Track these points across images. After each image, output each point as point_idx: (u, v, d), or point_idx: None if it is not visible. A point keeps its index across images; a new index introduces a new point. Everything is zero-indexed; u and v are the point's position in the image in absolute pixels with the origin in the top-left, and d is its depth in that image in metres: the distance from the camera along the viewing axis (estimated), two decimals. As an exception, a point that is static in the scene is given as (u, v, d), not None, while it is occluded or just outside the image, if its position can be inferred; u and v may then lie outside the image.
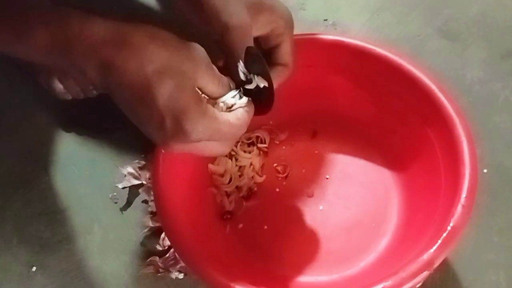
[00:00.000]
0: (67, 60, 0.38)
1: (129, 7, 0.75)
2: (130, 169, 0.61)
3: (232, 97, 0.42)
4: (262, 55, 0.43)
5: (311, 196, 0.57)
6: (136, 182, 0.61)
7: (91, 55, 0.37)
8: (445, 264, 0.54)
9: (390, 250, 0.51)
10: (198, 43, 0.40)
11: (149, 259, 0.56)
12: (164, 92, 0.36)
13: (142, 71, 0.36)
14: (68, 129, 0.66)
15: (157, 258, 0.56)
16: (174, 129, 0.36)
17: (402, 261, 0.43)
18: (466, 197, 0.42)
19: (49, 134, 0.66)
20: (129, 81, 0.36)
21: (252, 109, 0.43)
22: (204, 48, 0.40)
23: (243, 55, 0.43)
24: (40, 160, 0.64)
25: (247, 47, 0.43)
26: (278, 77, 0.48)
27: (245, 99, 0.42)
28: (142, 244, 0.58)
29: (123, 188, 0.61)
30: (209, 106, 0.39)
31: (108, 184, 0.61)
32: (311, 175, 0.59)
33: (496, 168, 0.61)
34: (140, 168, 0.61)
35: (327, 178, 0.58)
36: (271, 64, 0.49)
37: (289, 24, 0.48)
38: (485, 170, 0.61)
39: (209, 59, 0.40)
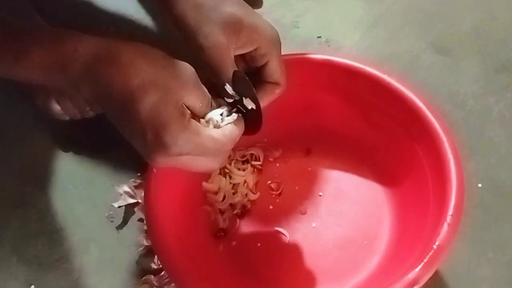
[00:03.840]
0: (63, 78, 0.39)
1: (126, 28, 0.76)
2: (126, 188, 0.62)
3: (220, 115, 0.42)
4: (251, 73, 0.44)
5: (304, 213, 0.58)
6: (132, 200, 0.61)
7: (84, 72, 0.38)
8: (439, 279, 0.54)
9: (381, 267, 0.51)
10: (191, 62, 0.41)
11: (144, 278, 0.56)
12: (146, 105, 0.37)
13: (127, 85, 0.37)
14: (65, 149, 0.67)
15: (152, 276, 0.56)
16: (154, 142, 0.37)
17: (392, 279, 0.43)
18: (452, 215, 0.42)
19: (47, 154, 0.67)
20: (116, 94, 0.37)
21: (242, 126, 0.43)
22: (198, 67, 0.41)
23: (227, 76, 0.43)
24: (38, 180, 0.65)
25: (234, 71, 0.44)
26: (268, 95, 0.48)
27: (234, 116, 0.43)
28: (138, 262, 0.58)
29: (119, 207, 0.61)
30: (193, 121, 0.39)
31: (105, 203, 0.62)
32: (304, 192, 0.59)
33: (490, 182, 0.61)
34: (136, 187, 0.62)
35: (320, 195, 0.59)
36: (261, 82, 0.48)
37: (273, 42, 0.47)
38: (479, 185, 0.61)
39: (197, 78, 0.40)
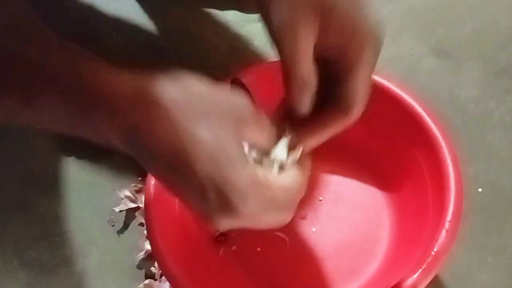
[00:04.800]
0: (85, 126, 0.32)
1: (127, 32, 0.77)
2: (127, 192, 0.62)
3: (284, 149, 0.34)
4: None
5: (304, 217, 0.58)
6: (133, 205, 0.62)
7: (113, 119, 0.30)
8: (439, 284, 0.54)
9: (381, 272, 0.51)
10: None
11: (144, 282, 0.57)
12: (204, 160, 0.29)
13: (176, 139, 0.29)
14: (67, 153, 0.68)
15: (153, 280, 0.56)
16: (219, 203, 0.29)
17: (391, 284, 0.43)
18: (450, 221, 0.42)
19: (49, 158, 0.67)
20: (163, 151, 0.29)
21: (309, 163, 0.36)
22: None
23: (298, 71, 0.33)
24: (40, 184, 0.66)
25: (232, 78, 0.43)
26: (334, 125, 0.37)
27: (299, 150, 0.35)
28: (139, 266, 0.59)
29: (120, 211, 0.62)
30: (259, 170, 0.31)
31: (106, 208, 0.63)
32: (304, 197, 0.58)
33: (490, 187, 0.61)
34: (137, 191, 0.62)
35: (320, 200, 0.59)
36: (329, 100, 0.36)
37: (368, 52, 0.34)
38: (479, 189, 0.61)
39: (253, 104, 0.32)
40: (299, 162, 0.35)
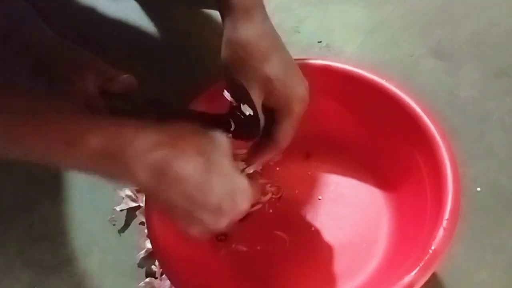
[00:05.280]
0: (116, 167, 0.38)
1: (128, 34, 0.78)
2: (127, 192, 0.63)
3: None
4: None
5: (304, 217, 0.58)
6: (134, 204, 0.62)
7: (143, 159, 0.38)
8: (438, 283, 0.55)
9: (380, 271, 0.51)
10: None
11: (145, 280, 0.57)
12: (216, 180, 0.40)
13: (196, 174, 0.39)
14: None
15: (154, 279, 0.57)
16: (231, 207, 0.41)
17: (389, 283, 0.44)
18: (448, 220, 0.43)
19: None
20: (189, 179, 0.38)
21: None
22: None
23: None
24: (42, 185, 0.66)
25: (232, 79, 0.44)
26: (268, 153, 0.50)
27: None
28: (139, 265, 0.59)
29: (121, 210, 0.62)
30: (245, 178, 0.43)
31: (107, 207, 0.63)
32: (304, 196, 0.60)
33: (489, 187, 0.61)
34: (138, 191, 0.63)
35: (319, 199, 0.59)
36: (266, 133, 0.49)
37: (295, 110, 0.48)
38: (478, 189, 0.61)
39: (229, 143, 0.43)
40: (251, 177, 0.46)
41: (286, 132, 0.49)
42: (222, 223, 0.41)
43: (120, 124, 0.38)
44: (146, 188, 0.39)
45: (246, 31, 0.46)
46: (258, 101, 0.47)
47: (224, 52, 0.47)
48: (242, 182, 0.42)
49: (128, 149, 0.37)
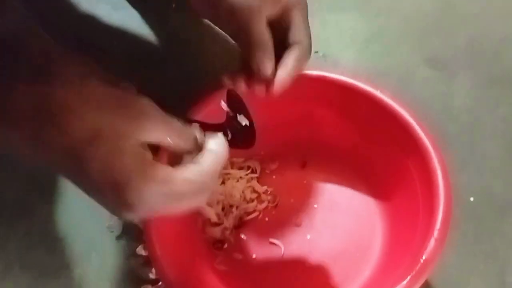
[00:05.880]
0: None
1: (128, 42, 0.78)
2: (126, 199, 0.63)
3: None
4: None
5: (299, 225, 0.59)
6: (132, 211, 0.63)
7: (25, 127, 0.34)
8: (431, 292, 0.56)
9: (373, 279, 0.52)
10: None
11: (142, 287, 0.58)
12: (97, 160, 0.32)
13: (71, 140, 0.32)
14: (68, 160, 0.69)
15: (150, 286, 0.58)
16: (116, 201, 0.33)
17: (382, 291, 0.45)
18: (439, 230, 0.43)
19: (50, 165, 0.69)
20: (61, 151, 0.33)
21: (223, 150, 0.38)
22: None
23: (260, 42, 0.43)
24: (42, 189, 0.67)
25: (228, 90, 0.45)
26: (293, 56, 0.46)
27: (211, 142, 0.38)
28: (137, 272, 0.60)
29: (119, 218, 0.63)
30: (159, 166, 0.34)
31: (105, 213, 0.63)
32: (299, 204, 0.61)
33: (482, 195, 0.62)
34: (136, 198, 0.64)
35: (315, 207, 0.60)
36: (287, 45, 0.46)
37: (301, 5, 0.46)
38: (471, 198, 0.62)
39: (162, 112, 0.36)
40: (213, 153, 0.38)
41: (304, 29, 0.46)
42: (119, 214, 0.35)
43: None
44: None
45: None
46: (262, 11, 0.44)
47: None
48: (143, 166, 0.33)
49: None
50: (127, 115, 0.34)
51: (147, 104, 0.36)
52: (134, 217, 0.34)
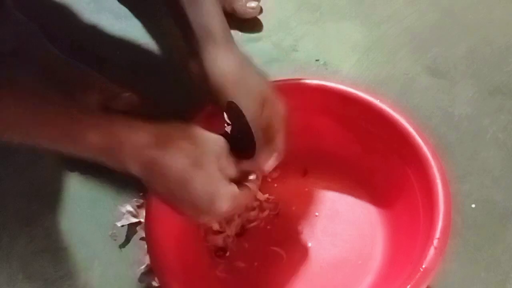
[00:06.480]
0: (113, 160, 0.45)
1: (131, 52, 0.79)
2: (128, 208, 0.64)
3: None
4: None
5: (300, 233, 0.59)
6: (134, 220, 0.63)
7: (136, 156, 0.44)
8: (433, 299, 0.56)
9: (374, 287, 0.52)
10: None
11: (145, 295, 0.58)
12: (199, 180, 0.44)
13: (182, 166, 0.44)
14: (72, 169, 0.69)
15: (153, 294, 0.58)
16: (210, 207, 0.44)
17: (383, 299, 0.45)
18: (438, 239, 0.44)
19: (54, 174, 0.69)
20: (172, 174, 0.44)
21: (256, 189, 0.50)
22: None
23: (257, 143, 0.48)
24: (45, 199, 0.67)
25: (228, 102, 0.46)
26: (272, 163, 0.53)
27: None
28: (140, 280, 0.60)
29: (122, 226, 0.63)
30: (232, 185, 0.46)
31: (108, 222, 0.64)
32: (301, 213, 0.61)
33: (484, 203, 0.62)
34: (138, 207, 0.64)
35: (316, 215, 0.60)
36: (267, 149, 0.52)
37: (284, 119, 0.52)
38: (473, 205, 0.62)
39: (227, 148, 0.46)
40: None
41: (283, 144, 0.52)
42: (201, 219, 0.47)
43: (114, 123, 0.44)
44: (141, 177, 0.45)
45: (229, 61, 0.50)
46: (259, 117, 0.49)
47: (216, 80, 0.50)
48: (224, 187, 0.45)
49: (122, 147, 0.43)
50: (211, 149, 0.45)
51: (220, 141, 0.46)
52: (214, 218, 0.51)
